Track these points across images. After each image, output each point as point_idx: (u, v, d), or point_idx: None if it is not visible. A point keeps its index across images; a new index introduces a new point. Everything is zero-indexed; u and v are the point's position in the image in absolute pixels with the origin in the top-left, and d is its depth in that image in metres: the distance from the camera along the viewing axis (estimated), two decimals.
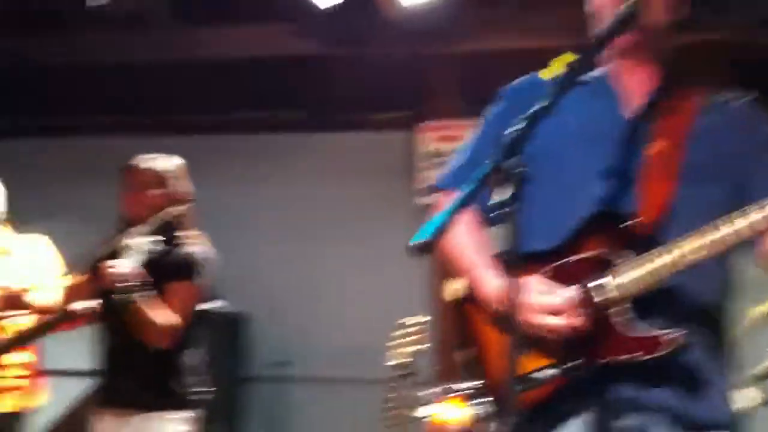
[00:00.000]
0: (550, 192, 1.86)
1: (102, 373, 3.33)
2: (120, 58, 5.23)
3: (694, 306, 1.81)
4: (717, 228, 1.69)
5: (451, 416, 3.34)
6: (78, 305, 3.42)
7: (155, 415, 3.21)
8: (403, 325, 3.49)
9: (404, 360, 3.37)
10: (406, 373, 3.36)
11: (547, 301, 1.79)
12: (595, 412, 1.79)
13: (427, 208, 2.03)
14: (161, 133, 5.19)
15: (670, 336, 1.73)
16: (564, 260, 1.84)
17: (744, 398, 3.18)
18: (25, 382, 3.69)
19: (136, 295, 3.06)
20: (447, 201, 1.94)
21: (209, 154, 5.65)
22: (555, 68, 1.90)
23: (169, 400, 3.24)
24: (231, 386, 5.04)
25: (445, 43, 4.98)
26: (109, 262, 3.08)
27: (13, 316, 3.60)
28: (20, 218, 3.89)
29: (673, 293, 1.78)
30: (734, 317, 1.90)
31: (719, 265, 1.84)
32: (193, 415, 3.33)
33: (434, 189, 2.13)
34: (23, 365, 3.70)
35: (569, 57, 1.80)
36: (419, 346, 3.36)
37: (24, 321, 3.64)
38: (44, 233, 3.82)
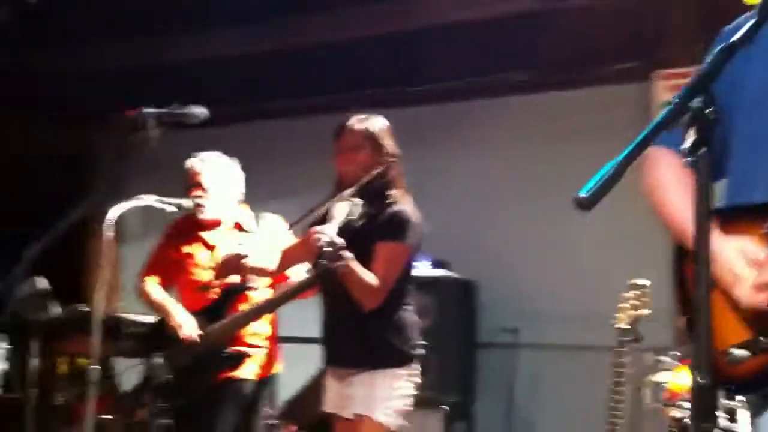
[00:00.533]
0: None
1: (324, 336, 3.42)
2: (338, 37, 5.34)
3: None
4: None
5: (686, 383, 3.15)
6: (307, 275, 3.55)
7: (380, 373, 3.23)
8: (633, 287, 3.31)
9: (628, 325, 3.20)
10: (632, 339, 3.19)
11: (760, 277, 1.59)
12: None
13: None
14: (377, 106, 5.26)
15: None
16: None
17: None
18: (264, 351, 3.89)
19: (340, 262, 3.06)
20: (657, 157, 1.82)
21: (434, 120, 5.71)
22: None
23: (390, 357, 3.26)
24: (462, 352, 5.05)
25: None
26: (315, 228, 3.12)
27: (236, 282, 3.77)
28: (256, 198, 4.09)
29: None
30: None
31: None
32: (417, 371, 3.32)
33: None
34: (263, 335, 3.91)
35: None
36: (643, 311, 3.17)
37: (264, 292, 3.83)
38: (277, 212, 3.99)
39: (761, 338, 1.61)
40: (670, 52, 4.99)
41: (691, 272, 1.74)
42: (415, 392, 3.29)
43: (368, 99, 5.77)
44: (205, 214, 3.93)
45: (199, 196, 3.91)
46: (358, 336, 3.26)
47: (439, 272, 5.07)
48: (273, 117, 6.26)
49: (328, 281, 3.24)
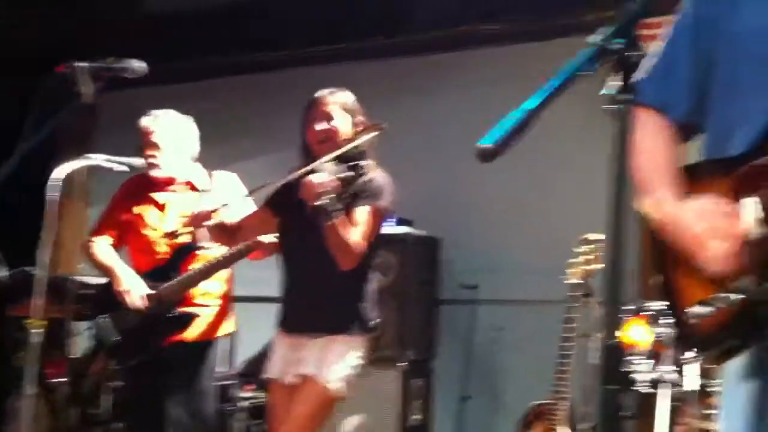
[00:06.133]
0: (753, 79, 1.59)
1: (285, 296, 3.39)
2: None
3: None
4: None
5: (639, 338, 3.13)
6: (265, 237, 3.53)
7: (338, 338, 3.23)
8: (585, 242, 3.28)
9: (580, 279, 3.17)
10: (583, 293, 3.16)
11: (713, 225, 1.54)
12: (762, 346, 1.55)
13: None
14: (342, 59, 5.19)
15: None
16: (749, 165, 1.54)
17: None
18: (216, 310, 3.83)
19: (334, 207, 3.10)
20: (643, 120, 1.73)
21: (397, 74, 5.62)
22: None
23: (351, 323, 3.26)
24: (423, 308, 5.02)
25: None
26: (309, 177, 3.14)
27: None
28: (211, 158, 4.03)
29: None
30: None
31: None
32: (370, 340, 3.33)
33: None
34: (215, 293, 3.85)
35: None
36: (596, 266, 3.13)
37: (216, 251, 3.76)
38: (233, 171, 3.92)
39: (720, 294, 1.56)
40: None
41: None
42: (363, 362, 3.28)
43: (337, 52, 5.72)
44: (157, 173, 3.85)
45: (152, 155, 3.83)
46: (324, 299, 3.26)
47: (402, 229, 5.02)
48: (246, 72, 6.14)
49: (300, 239, 3.26)
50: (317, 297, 3.26)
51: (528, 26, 5.32)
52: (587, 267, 3.20)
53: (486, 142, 1.30)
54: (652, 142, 1.72)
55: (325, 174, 3.14)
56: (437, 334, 5.09)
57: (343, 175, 3.18)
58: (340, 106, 3.34)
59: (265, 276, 3.72)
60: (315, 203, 3.10)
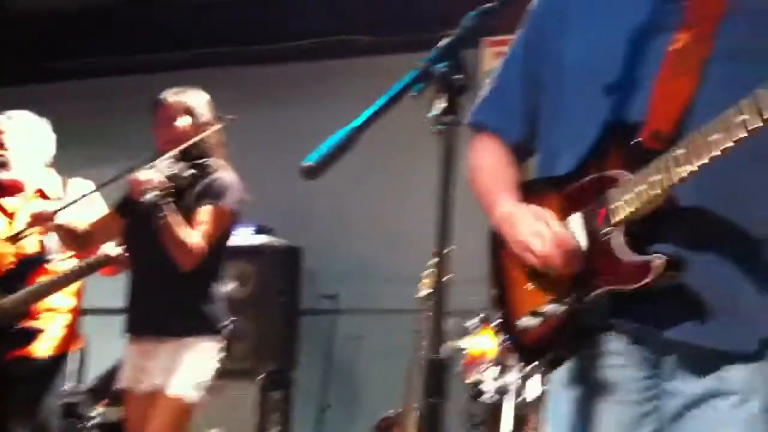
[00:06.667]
0: (574, 107, 1.66)
1: (130, 301, 3.34)
2: None
3: (734, 218, 1.53)
4: (713, 130, 1.39)
5: (486, 347, 3.21)
6: (116, 250, 3.46)
7: (187, 341, 3.19)
8: (436, 254, 3.33)
9: (432, 290, 3.23)
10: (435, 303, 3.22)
11: (534, 229, 1.60)
12: (584, 354, 1.61)
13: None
14: (185, 67, 5.12)
15: (658, 260, 1.46)
16: (573, 185, 1.62)
17: None
18: (63, 325, 3.69)
19: (162, 202, 3.07)
20: (480, 142, 1.81)
21: (269, 81, 5.60)
22: None
23: (200, 326, 3.22)
24: (284, 319, 5.01)
25: None
26: (138, 173, 3.12)
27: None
28: (67, 162, 3.90)
29: (705, 207, 1.52)
30: None
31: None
32: (223, 343, 3.29)
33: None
34: (63, 308, 3.71)
35: None
36: (446, 276, 3.19)
37: (67, 264, 3.64)
38: (89, 178, 3.80)
39: (547, 305, 1.62)
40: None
41: (505, 252, 1.74)
42: (219, 367, 3.25)
43: (205, 57, 5.64)
44: (4, 174, 3.69)
45: (1, 155, 3.67)
46: (169, 301, 3.21)
47: (262, 238, 4.99)
48: (102, 75, 5.99)
49: (143, 239, 3.19)
50: (160, 298, 3.23)
51: (392, 39, 5.40)
52: (435, 279, 3.26)
53: (309, 160, 1.31)
54: (491, 162, 1.80)
55: (152, 171, 3.11)
56: (298, 345, 5.08)
57: (172, 171, 3.15)
58: (183, 106, 3.32)
59: (120, 286, 3.64)
60: (140, 199, 3.07)
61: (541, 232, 1.58)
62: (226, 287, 3.38)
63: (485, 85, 1.88)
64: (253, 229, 4.93)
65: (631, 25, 1.61)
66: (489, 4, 1.51)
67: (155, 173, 3.11)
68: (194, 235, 3.14)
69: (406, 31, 5.32)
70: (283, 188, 5.14)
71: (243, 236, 4.62)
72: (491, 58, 5.00)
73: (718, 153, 1.38)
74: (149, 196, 3.05)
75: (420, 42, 5.15)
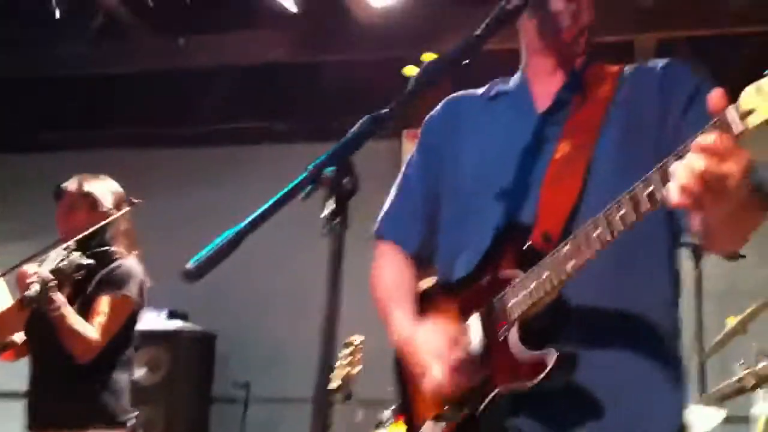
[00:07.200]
0: (470, 215, 1.74)
1: (29, 394, 3.23)
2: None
3: (622, 315, 1.61)
4: (594, 227, 1.45)
5: None
6: (16, 336, 3.35)
7: None
8: (347, 344, 3.34)
9: (341, 381, 3.22)
10: (344, 396, 3.21)
11: (430, 357, 1.64)
12: None
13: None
14: (116, 146, 5.09)
15: (552, 355, 1.50)
16: (471, 287, 1.69)
17: (703, 417, 2.94)
18: None
19: (43, 297, 2.97)
20: (382, 253, 1.89)
21: (188, 164, 5.58)
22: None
23: (99, 417, 3.12)
24: (194, 406, 4.90)
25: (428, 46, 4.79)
26: (25, 267, 3.05)
27: None
28: None
29: (594, 303, 1.59)
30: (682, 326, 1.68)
31: (657, 266, 1.65)
32: None
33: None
34: None
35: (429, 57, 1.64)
36: (355, 368, 3.20)
37: None
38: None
39: (447, 411, 1.66)
40: (416, 111, 5.14)
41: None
42: None
43: (120, 138, 5.61)
44: None
45: None
46: (67, 393, 3.11)
47: (176, 323, 4.90)
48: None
49: (41, 333, 3.11)
50: (58, 391, 3.13)
51: (318, 126, 5.48)
52: (348, 369, 3.25)
53: (192, 263, 1.31)
54: (390, 272, 1.86)
55: (36, 265, 3.05)
56: None
57: (60, 264, 3.07)
58: (83, 195, 3.28)
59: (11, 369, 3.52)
60: (23, 293, 2.99)
61: (437, 360, 1.62)
62: (135, 374, 3.29)
63: (389, 195, 1.95)
64: (166, 313, 4.85)
65: (518, 139, 1.72)
66: (382, 111, 1.55)
67: (41, 267, 3.04)
68: (89, 328, 3.07)
69: (319, 119, 5.43)
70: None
71: (155, 321, 4.54)
72: (411, 148, 5.09)
73: (601, 246, 1.44)
74: (30, 292, 2.97)
75: (320, 132, 5.33)
